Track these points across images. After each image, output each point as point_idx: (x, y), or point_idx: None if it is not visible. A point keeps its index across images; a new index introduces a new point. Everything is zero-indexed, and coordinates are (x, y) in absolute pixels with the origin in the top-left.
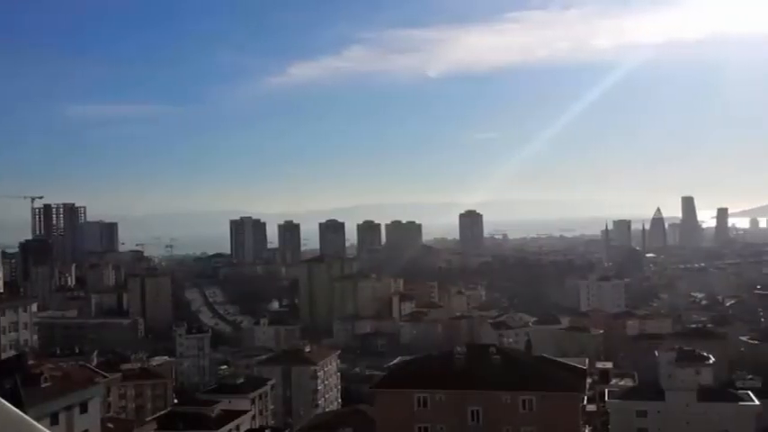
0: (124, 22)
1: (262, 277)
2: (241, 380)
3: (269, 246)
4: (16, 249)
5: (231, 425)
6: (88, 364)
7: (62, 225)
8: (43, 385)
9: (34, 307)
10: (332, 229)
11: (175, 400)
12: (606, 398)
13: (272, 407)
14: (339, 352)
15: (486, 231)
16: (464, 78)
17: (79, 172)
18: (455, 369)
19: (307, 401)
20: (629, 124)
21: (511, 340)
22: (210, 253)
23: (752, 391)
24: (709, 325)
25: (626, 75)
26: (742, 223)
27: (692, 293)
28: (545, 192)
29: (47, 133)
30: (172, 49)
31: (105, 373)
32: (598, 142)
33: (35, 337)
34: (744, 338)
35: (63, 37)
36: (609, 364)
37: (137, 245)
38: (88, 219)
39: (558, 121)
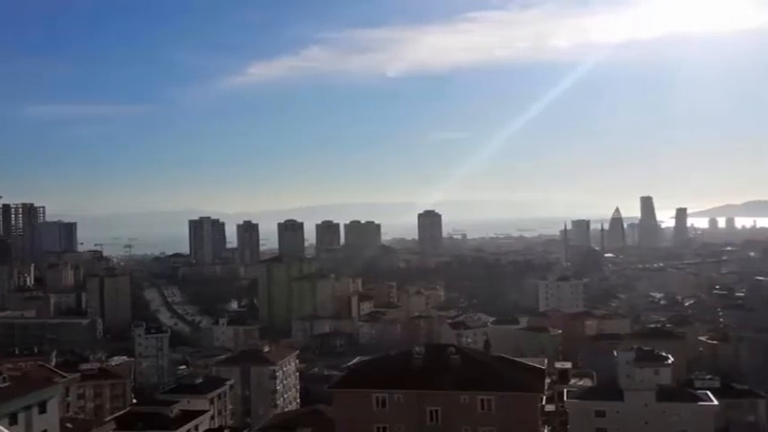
0: (82, 22)
1: (220, 277)
2: (200, 380)
3: (228, 246)
4: None
5: (190, 425)
6: (47, 364)
7: (21, 225)
8: (2, 385)
9: None
10: (291, 229)
11: (134, 400)
12: (565, 398)
13: (230, 407)
14: (298, 352)
15: (445, 231)
16: (423, 78)
17: (38, 172)
18: (414, 369)
19: (265, 401)
20: (588, 124)
21: (469, 340)
22: (169, 253)
23: (710, 391)
24: (668, 325)
25: (585, 75)
26: (701, 223)
27: (651, 293)
28: (504, 192)
29: (4, 133)
30: (130, 49)
31: (64, 373)
32: (558, 142)
33: None
34: (702, 338)
35: (20, 37)
36: (568, 364)
37: (95, 245)
38: (47, 219)
39: (517, 122)
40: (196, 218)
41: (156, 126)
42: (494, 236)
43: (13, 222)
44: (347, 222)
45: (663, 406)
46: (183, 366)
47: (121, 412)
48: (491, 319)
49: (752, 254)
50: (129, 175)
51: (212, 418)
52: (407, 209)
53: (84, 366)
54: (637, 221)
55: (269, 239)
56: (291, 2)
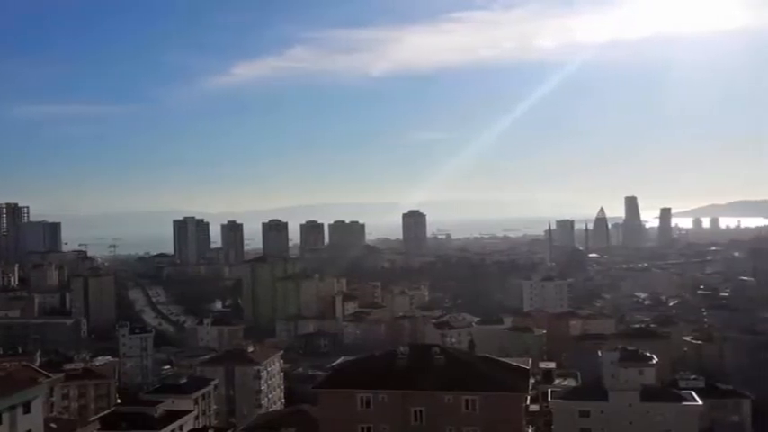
0: (67, 22)
1: (205, 277)
2: (184, 380)
3: (212, 246)
4: None
5: (174, 425)
6: (31, 364)
7: (5, 225)
8: None
9: None
10: (275, 229)
11: (118, 400)
12: (549, 398)
13: (215, 407)
14: (282, 352)
15: (430, 231)
16: (408, 78)
17: (23, 172)
18: (398, 369)
19: (250, 401)
20: (573, 124)
21: (454, 340)
22: (154, 253)
23: (695, 391)
24: (653, 325)
25: (570, 75)
26: (685, 223)
27: (635, 293)
28: (488, 192)
29: None
30: (115, 50)
31: (48, 373)
32: (543, 142)
33: None
34: (687, 338)
35: (5, 37)
36: (552, 364)
37: (80, 245)
38: (31, 219)
39: (502, 122)
40: (180, 218)
41: (141, 126)
42: (478, 236)
43: None
44: (331, 222)
45: (647, 406)
46: (168, 366)
47: (106, 412)
48: (475, 319)
49: (736, 254)
50: (114, 175)
51: (196, 418)
52: (392, 209)
53: (68, 366)
54: (621, 221)
55: (253, 239)
56: (275, 2)
